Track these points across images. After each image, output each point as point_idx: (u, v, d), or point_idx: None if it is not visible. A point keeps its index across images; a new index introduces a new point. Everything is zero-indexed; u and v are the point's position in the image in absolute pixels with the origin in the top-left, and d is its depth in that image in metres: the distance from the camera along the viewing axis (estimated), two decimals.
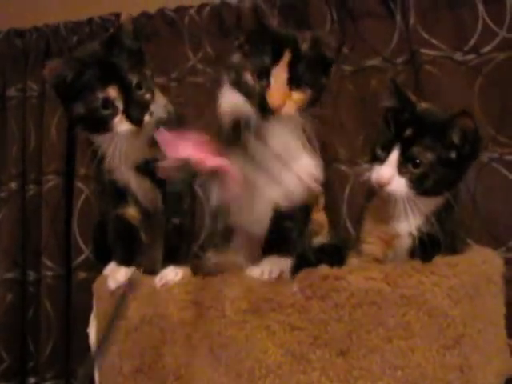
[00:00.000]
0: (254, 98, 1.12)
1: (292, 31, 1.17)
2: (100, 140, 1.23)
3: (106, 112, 1.17)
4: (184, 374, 1.09)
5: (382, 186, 1.12)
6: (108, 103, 1.17)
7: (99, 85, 1.16)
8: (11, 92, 2.06)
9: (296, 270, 1.13)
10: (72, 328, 1.91)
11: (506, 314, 1.23)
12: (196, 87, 1.93)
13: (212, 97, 1.85)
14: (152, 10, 2.00)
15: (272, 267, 1.12)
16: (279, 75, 1.10)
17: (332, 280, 1.05)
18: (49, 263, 1.92)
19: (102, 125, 1.18)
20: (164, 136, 1.04)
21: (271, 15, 1.91)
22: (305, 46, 1.13)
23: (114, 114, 1.17)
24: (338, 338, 1.03)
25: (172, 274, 1.18)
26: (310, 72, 1.13)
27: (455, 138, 1.10)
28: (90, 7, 2.07)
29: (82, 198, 1.93)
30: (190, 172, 1.05)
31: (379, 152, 1.14)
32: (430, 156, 1.09)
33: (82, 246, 1.91)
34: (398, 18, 1.83)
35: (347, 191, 1.74)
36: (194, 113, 1.87)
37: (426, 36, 1.78)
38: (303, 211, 1.24)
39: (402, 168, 1.10)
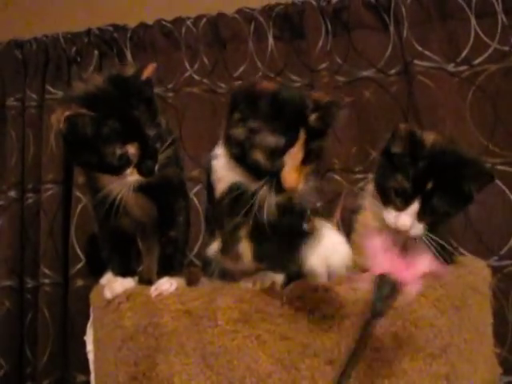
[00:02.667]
0: (264, 176, 1.04)
1: (297, 96, 1.05)
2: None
3: (120, 164, 1.15)
4: (177, 382, 1.10)
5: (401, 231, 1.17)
6: (124, 157, 1.15)
7: (119, 141, 1.12)
8: (10, 102, 2.07)
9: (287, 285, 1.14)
10: (69, 335, 1.92)
11: (495, 322, 1.25)
12: (192, 97, 1.95)
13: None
14: (150, 21, 2.02)
15: (264, 279, 1.14)
16: (295, 157, 1.03)
17: (321, 291, 1.07)
18: (46, 271, 1.93)
19: (111, 172, 1.16)
20: (373, 244, 1.00)
21: (267, 26, 1.95)
22: (312, 119, 1.04)
23: (127, 166, 1.16)
24: (326, 348, 1.05)
25: (167, 285, 1.19)
26: (318, 144, 1.06)
27: (474, 191, 1.16)
28: (88, 18, 2.09)
29: (80, 206, 1.94)
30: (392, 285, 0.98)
31: (394, 197, 1.19)
32: (447, 205, 1.15)
33: (80, 254, 1.92)
34: (392, 29, 1.87)
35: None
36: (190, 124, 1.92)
37: (419, 47, 1.82)
38: None
39: (420, 216, 1.16)
